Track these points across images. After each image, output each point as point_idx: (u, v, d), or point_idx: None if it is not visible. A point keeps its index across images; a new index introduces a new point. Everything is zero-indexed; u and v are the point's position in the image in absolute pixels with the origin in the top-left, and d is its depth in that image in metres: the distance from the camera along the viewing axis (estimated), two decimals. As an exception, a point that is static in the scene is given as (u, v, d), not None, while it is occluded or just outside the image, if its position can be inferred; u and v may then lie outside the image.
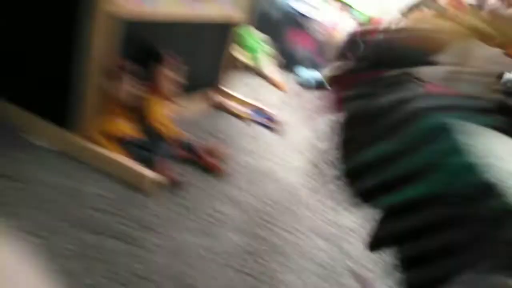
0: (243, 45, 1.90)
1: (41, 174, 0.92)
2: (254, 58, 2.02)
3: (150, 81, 1.12)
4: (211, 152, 1.19)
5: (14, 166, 0.91)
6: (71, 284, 0.70)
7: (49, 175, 0.92)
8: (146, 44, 1.10)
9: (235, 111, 1.59)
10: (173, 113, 1.25)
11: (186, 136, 1.23)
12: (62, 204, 0.86)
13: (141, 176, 0.99)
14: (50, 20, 0.97)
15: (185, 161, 1.17)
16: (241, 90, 1.75)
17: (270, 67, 2.09)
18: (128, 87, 1.02)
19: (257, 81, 1.99)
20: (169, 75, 1.16)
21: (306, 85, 2.16)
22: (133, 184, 0.99)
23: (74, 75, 0.97)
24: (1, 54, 1.04)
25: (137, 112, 1.11)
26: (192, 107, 1.48)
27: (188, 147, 1.19)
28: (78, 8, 0.91)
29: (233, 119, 1.57)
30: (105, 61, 0.97)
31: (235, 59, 1.69)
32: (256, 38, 2.04)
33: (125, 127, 1.07)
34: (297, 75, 2.25)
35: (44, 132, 1.03)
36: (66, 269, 0.72)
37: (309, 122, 1.63)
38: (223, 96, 1.61)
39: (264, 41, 2.10)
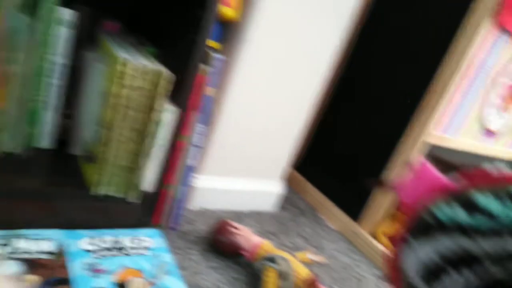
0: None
1: (330, 248, 1.14)
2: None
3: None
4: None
5: (314, 237, 1.16)
6: None
7: (335, 251, 1.13)
8: (437, 167, 1.25)
9: None
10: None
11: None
12: (343, 276, 1.04)
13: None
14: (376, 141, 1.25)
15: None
16: None
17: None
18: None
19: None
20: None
21: None
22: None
23: (377, 179, 1.19)
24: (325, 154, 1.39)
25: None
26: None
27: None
28: (398, 136, 1.15)
29: None
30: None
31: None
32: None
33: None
34: None
35: (337, 219, 1.27)
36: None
37: None
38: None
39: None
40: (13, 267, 0.64)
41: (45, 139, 0.82)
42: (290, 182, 1.40)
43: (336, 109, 1.38)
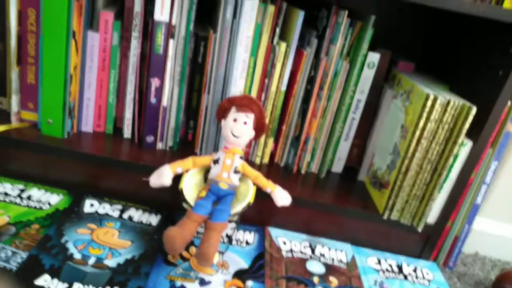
0: None
1: None
2: None
3: None
4: None
5: None
6: None
7: None
8: None
9: None
10: None
11: None
12: None
13: None
14: None
15: None
16: None
17: None
18: None
19: None
20: None
21: None
22: None
23: None
24: None
25: None
26: None
27: None
28: None
29: None
30: None
31: None
32: None
33: None
34: None
35: None
36: None
37: None
38: None
39: None
40: (319, 268, 0.76)
41: (337, 165, 0.95)
42: None
43: None
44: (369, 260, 0.82)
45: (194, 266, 0.68)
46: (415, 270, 0.82)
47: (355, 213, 0.86)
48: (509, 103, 0.77)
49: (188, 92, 0.87)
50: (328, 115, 0.86)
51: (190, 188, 0.73)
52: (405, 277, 0.80)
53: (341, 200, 0.87)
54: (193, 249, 0.71)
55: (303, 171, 0.92)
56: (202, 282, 0.66)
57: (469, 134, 0.77)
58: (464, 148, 0.77)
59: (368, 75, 0.86)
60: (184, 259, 0.70)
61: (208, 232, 0.66)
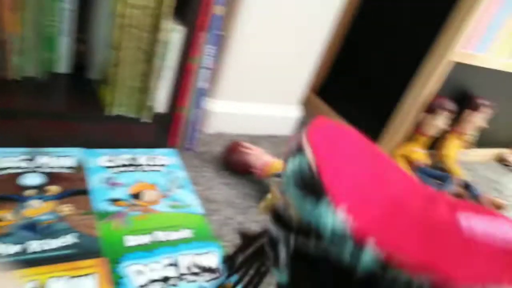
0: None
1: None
2: None
3: (456, 121, 1.21)
4: (487, 200, 1.18)
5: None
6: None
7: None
8: (463, 87, 1.20)
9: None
10: (460, 154, 1.30)
11: (466, 177, 1.26)
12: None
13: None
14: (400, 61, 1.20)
15: (458, 197, 1.20)
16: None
17: None
18: (439, 123, 1.14)
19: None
20: (476, 121, 1.22)
21: None
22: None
23: (397, 106, 1.17)
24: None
25: (434, 144, 1.23)
26: (478, 156, 1.48)
27: (466, 186, 1.21)
28: (422, 55, 1.10)
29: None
30: (427, 97, 1.12)
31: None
32: None
33: (421, 155, 1.20)
34: None
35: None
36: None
37: None
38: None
39: None
40: (37, 179, 0.70)
41: (62, 64, 0.85)
42: (309, 106, 1.40)
43: (359, 30, 1.32)
44: (100, 160, 0.80)
45: None
46: (150, 159, 0.85)
47: (85, 116, 0.80)
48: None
49: None
50: (30, 7, 0.73)
51: None
52: (139, 167, 0.82)
53: (69, 104, 0.80)
54: None
55: (16, 77, 0.79)
56: None
57: (180, 19, 0.76)
58: (177, 33, 0.77)
59: (68, -45, 0.74)
60: None
61: None
